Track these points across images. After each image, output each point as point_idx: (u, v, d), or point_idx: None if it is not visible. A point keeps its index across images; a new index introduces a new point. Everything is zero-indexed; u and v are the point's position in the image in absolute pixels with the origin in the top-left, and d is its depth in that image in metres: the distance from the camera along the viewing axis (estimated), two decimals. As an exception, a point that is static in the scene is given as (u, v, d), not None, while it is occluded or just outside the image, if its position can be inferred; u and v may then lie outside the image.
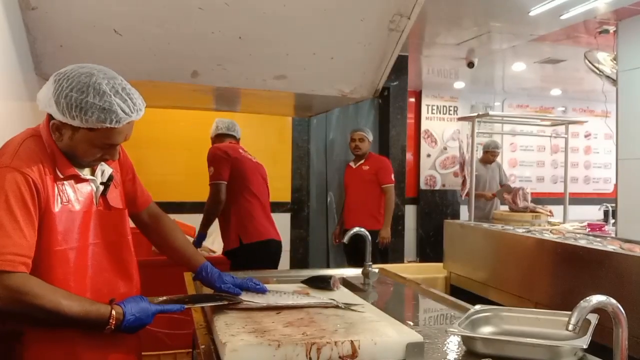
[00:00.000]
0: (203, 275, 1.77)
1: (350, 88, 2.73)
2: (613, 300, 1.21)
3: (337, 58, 2.56)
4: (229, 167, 3.41)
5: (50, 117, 1.41)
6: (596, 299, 1.20)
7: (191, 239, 3.31)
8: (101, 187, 1.52)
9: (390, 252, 5.05)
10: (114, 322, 1.39)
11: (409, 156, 6.59)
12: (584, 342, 1.30)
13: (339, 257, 5.89)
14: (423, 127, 7.15)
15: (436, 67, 6.14)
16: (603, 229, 4.52)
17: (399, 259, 5.57)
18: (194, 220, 3.71)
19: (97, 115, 1.34)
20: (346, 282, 2.37)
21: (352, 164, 4.93)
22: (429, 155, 7.16)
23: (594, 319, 1.42)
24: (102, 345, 1.45)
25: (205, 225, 3.47)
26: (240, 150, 3.57)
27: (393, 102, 5.77)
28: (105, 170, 1.54)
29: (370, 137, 4.81)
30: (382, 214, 4.69)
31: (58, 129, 1.40)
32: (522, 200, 5.23)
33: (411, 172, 6.91)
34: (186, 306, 1.58)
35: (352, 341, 1.37)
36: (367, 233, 2.44)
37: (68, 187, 1.43)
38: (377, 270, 2.47)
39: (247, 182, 3.46)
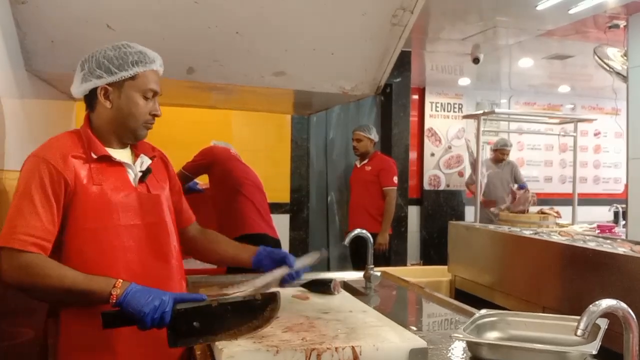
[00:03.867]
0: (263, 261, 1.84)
1: (351, 85, 2.73)
2: (623, 305, 1.21)
3: (338, 54, 2.55)
4: (204, 167, 3.57)
5: (90, 100, 1.60)
6: (606, 303, 1.19)
7: None
8: (139, 174, 1.63)
9: (392, 255, 5.05)
10: (119, 285, 1.38)
11: (412, 155, 6.59)
12: (593, 347, 1.30)
13: (340, 260, 5.89)
14: (427, 125, 7.15)
15: (440, 63, 6.14)
16: (613, 230, 4.52)
17: (402, 261, 5.58)
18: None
19: (137, 57, 1.57)
20: (347, 286, 2.37)
21: (357, 162, 4.94)
22: (432, 155, 7.16)
23: (603, 323, 1.42)
24: (138, 335, 1.43)
25: None
26: (233, 151, 3.68)
27: (395, 99, 5.77)
28: (144, 161, 1.67)
29: (372, 136, 4.80)
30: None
31: (106, 95, 1.57)
32: (523, 203, 5.24)
33: (414, 172, 6.91)
34: (208, 298, 1.47)
35: (353, 347, 1.38)
36: (369, 235, 2.44)
37: (102, 170, 1.54)
38: (379, 274, 2.47)
39: (233, 181, 3.54)
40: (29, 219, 1.40)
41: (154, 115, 1.63)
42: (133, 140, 1.65)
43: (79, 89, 1.60)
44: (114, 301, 1.37)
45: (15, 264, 1.37)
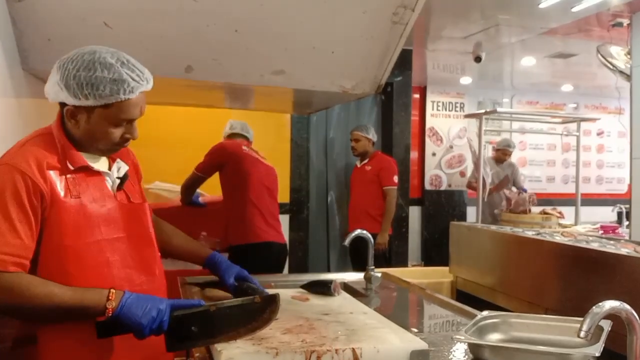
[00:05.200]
0: (212, 263, 1.89)
1: (351, 84, 2.73)
2: (627, 306, 1.21)
3: (338, 52, 2.55)
4: (216, 166, 3.53)
5: (62, 107, 1.44)
6: (609, 304, 1.19)
7: None
8: (117, 181, 1.54)
9: (393, 256, 5.05)
10: (113, 297, 1.33)
11: (413, 155, 6.59)
12: (596, 349, 1.30)
13: (340, 261, 5.89)
14: (428, 125, 7.15)
15: (442, 62, 6.14)
16: (616, 231, 4.52)
17: (403, 262, 5.57)
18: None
19: (110, 88, 1.38)
20: (347, 287, 2.37)
21: (357, 163, 4.94)
22: (434, 154, 7.16)
23: (606, 325, 1.42)
24: (129, 346, 1.40)
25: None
26: (245, 148, 3.63)
27: (396, 98, 5.77)
28: (121, 167, 1.58)
29: (370, 135, 4.80)
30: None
31: (73, 115, 1.43)
32: (522, 204, 5.26)
33: (415, 172, 6.91)
34: (205, 303, 1.46)
35: (353, 349, 1.38)
36: (370, 236, 2.44)
37: (80, 180, 1.44)
38: (379, 275, 2.47)
39: (242, 184, 3.51)
40: (7, 236, 1.30)
41: (128, 139, 1.50)
42: (102, 155, 1.54)
43: (50, 94, 1.45)
44: (110, 314, 1.33)
45: None
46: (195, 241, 1.95)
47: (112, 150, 1.53)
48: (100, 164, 1.53)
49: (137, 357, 1.47)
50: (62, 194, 1.39)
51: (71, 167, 1.43)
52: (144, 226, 1.57)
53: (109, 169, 1.55)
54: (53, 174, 1.39)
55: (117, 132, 1.46)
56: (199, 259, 1.91)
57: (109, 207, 1.48)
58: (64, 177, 1.41)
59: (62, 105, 1.45)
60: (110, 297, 1.33)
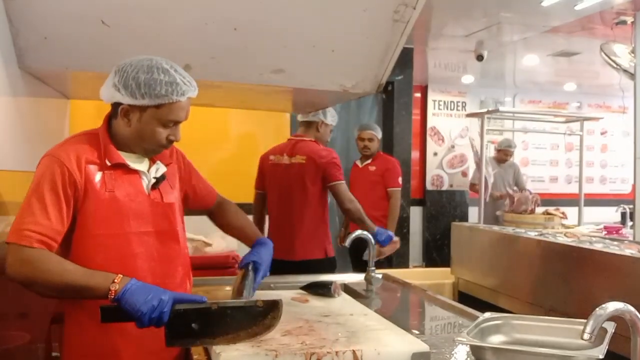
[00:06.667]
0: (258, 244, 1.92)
1: (352, 82, 2.72)
2: (631, 308, 1.21)
3: (338, 51, 2.55)
4: (260, 176, 3.48)
5: (115, 108, 1.60)
6: (613, 306, 1.19)
7: None
8: (153, 180, 1.66)
9: (394, 257, 5.05)
10: (118, 281, 1.40)
11: (415, 155, 6.58)
12: (600, 351, 1.30)
13: (340, 262, 5.89)
14: (429, 124, 7.15)
15: (443, 60, 6.14)
16: (620, 231, 4.52)
17: (404, 263, 5.57)
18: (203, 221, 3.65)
19: (165, 89, 1.54)
20: (348, 289, 2.38)
21: (358, 162, 4.92)
22: (435, 154, 7.16)
23: (610, 327, 1.42)
24: (138, 335, 1.45)
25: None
26: (272, 158, 3.48)
27: (397, 97, 5.76)
28: (159, 168, 1.71)
29: (380, 135, 4.80)
30: (387, 218, 4.67)
31: (126, 114, 1.58)
32: (525, 203, 5.26)
33: (417, 172, 6.90)
34: (208, 300, 1.46)
35: (354, 351, 1.38)
36: (370, 236, 2.44)
37: (117, 177, 1.58)
38: (380, 276, 2.47)
39: (268, 195, 3.45)
40: (38, 216, 1.44)
41: (172, 140, 1.64)
42: (145, 156, 1.67)
43: (106, 95, 1.61)
44: (113, 297, 1.39)
45: (19, 259, 1.42)
46: (255, 227, 2.06)
47: (156, 151, 1.66)
48: (142, 164, 1.66)
49: (148, 346, 1.53)
50: (98, 186, 1.54)
51: (108, 163, 1.57)
52: (172, 224, 1.68)
53: (149, 169, 1.67)
54: (92, 168, 1.55)
55: (163, 133, 1.60)
56: (250, 241, 1.97)
57: (140, 203, 1.61)
58: (101, 172, 1.56)
59: (115, 106, 1.59)
60: (115, 281, 1.40)
